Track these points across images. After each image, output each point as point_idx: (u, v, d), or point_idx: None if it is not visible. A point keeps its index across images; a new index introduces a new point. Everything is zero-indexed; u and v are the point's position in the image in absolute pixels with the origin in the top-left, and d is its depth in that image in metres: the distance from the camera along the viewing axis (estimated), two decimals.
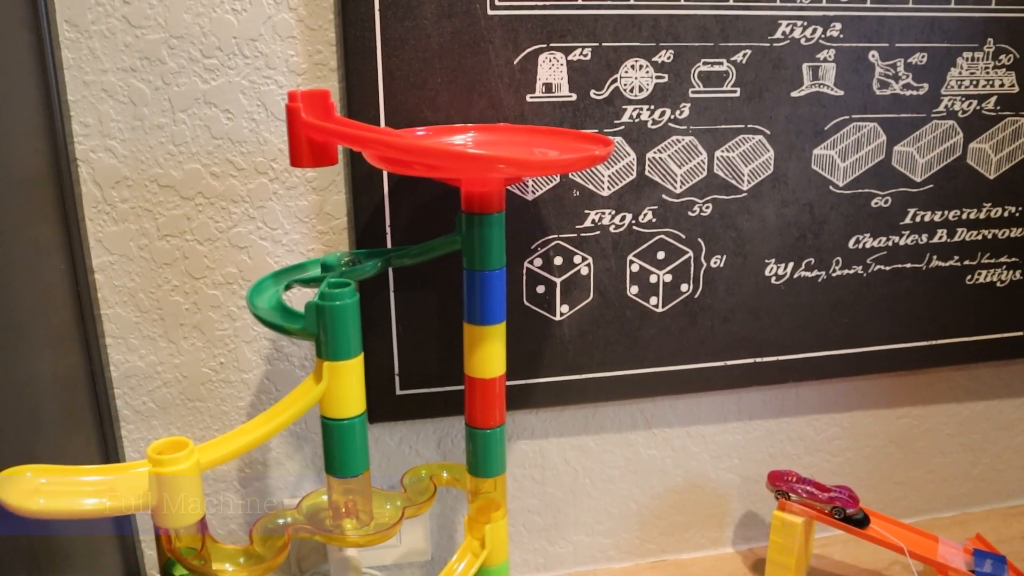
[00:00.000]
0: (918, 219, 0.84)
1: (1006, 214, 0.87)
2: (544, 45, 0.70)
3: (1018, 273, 0.89)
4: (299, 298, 0.73)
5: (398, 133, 0.65)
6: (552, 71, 0.72)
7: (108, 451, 0.74)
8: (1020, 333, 0.91)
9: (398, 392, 0.76)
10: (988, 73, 0.82)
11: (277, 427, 0.56)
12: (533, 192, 0.74)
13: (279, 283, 0.64)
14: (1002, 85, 0.83)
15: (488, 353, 0.64)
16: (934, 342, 0.89)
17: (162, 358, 0.74)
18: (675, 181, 0.77)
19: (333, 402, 0.58)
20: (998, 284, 0.89)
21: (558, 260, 0.76)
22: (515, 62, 0.70)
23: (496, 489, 0.68)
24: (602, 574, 0.91)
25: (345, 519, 0.61)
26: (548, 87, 0.72)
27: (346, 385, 0.58)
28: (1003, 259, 0.88)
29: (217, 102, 0.68)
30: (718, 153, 0.77)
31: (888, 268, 0.85)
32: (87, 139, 0.68)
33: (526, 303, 0.76)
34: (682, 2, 0.72)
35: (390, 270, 0.72)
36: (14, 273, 0.58)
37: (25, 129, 0.62)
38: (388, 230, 0.72)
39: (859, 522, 0.82)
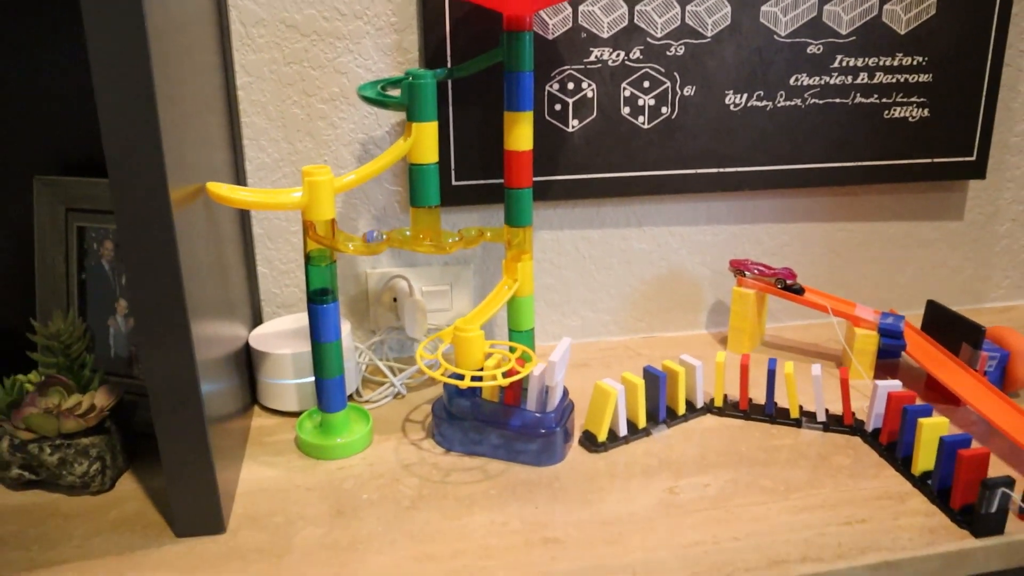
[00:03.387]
0: (844, 64, 1.11)
1: (914, 62, 1.13)
2: None
3: (926, 111, 1.15)
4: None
5: None
6: None
7: (244, 224, 1.03)
8: (927, 160, 1.18)
9: (453, 183, 1.05)
10: None
11: (382, 166, 0.85)
12: (552, 33, 1.02)
13: (377, 84, 0.93)
14: None
15: (521, 132, 0.92)
16: (860, 163, 1.16)
17: (283, 155, 1.03)
18: (656, 28, 1.04)
19: (418, 152, 0.87)
20: (910, 119, 1.15)
21: (570, 85, 1.04)
22: None
23: (526, 238, 0.97)
24: (604, 344, 1.19)
25: (424, 241, 0.91)
26: None
27: (426, 139, 0.87)
28: (913, 99, 1.15)
29: None
30: (688, 7, 1.04)
31: (821, 102, 1.12)
32: None
33: (547, 117, 1.05)
34: None
35: (450, 86, 1.01)
36: (188, 86, 0.76)
37: None
38: (449, 60, 1.00)
39: (796, 291, 1.10)
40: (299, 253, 1.06)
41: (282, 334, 0.98)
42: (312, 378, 0.94)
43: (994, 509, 0.74)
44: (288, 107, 1.01)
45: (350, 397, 0.99)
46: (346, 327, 0.97)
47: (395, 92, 0.94)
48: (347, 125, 1.03)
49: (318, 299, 0.83)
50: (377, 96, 0.89)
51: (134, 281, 0.66)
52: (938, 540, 0.75)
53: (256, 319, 1.06)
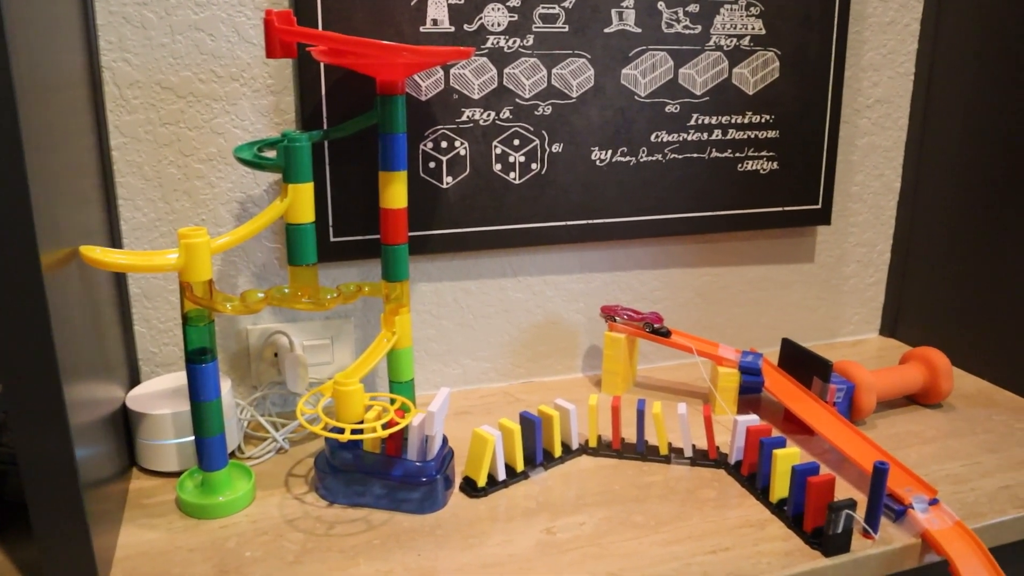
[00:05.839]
0: (700, 121, 1.19)
1: (763, 120, 1.23)
2: None
3: (775, 164, 1.25)
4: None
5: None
6: (437, 10, 1.04)
7: (120, 284, 1.03)
8: (779, 208, 1.27)
9: (332, 240, 1.07)
10: (743, 19, 1.18)
11: (258, 227, 0.87)
12: (425, 95, 1.06)
13: (253, 146, 0.95)
14: (754, 28, 1.19)
15: (396, 190, 0.96)
16: (719, 212, 1.24)
17: (160, 215, 1.03)
18: (525, 89, 1.10)
19: (294, 212, 0.89)
20: (761, 171, 1.25)
21: (444, 144, 1.09)
22: (412, 3, 1.03)
23: (403, 292, 1.00)
24: (484, 391, 1.23)
25: (302, 299, 0.93)
26: (435, 21, 1.04)
27: (303, 200, 0.89)
28: (763, 153, 1.24)
29: (204, 28, 0.99)
30: (554, 70, 1.11)
31: (680, 156, 1.20)
32: (110, 52, 0.97)
33: (422, 175, 1.09)
34: None
35: (326, 146, 1.03)
36: (60, 148, 0.76)
37: (69, 45, 0.90)
38: (325, 122, 1.03)
39: (663, 334, 1.17)
40: (177, 311, 1.06)
41: (161, 394, 0.97)
42: (192, 437, 0.93)
43: (840, 530, 0.81)
44: (164, 167, 1.02)
45: (232, 454, 0.99)
46: (226, 384, 0.97)
47: (271, 153, 0.96)
48: (225, 184, 1.04)
49: (197, 359, 0.84)
50: (253, 158, 0.91)
51: (3, 348, 0.66)
52: (793, 562, 0.81)
53: (134, 379, 1.05)
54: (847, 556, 0.82)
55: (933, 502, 0.88)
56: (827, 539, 0.81)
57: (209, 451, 0.87)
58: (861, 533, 0.85)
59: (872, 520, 0.84)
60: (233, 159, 1.03)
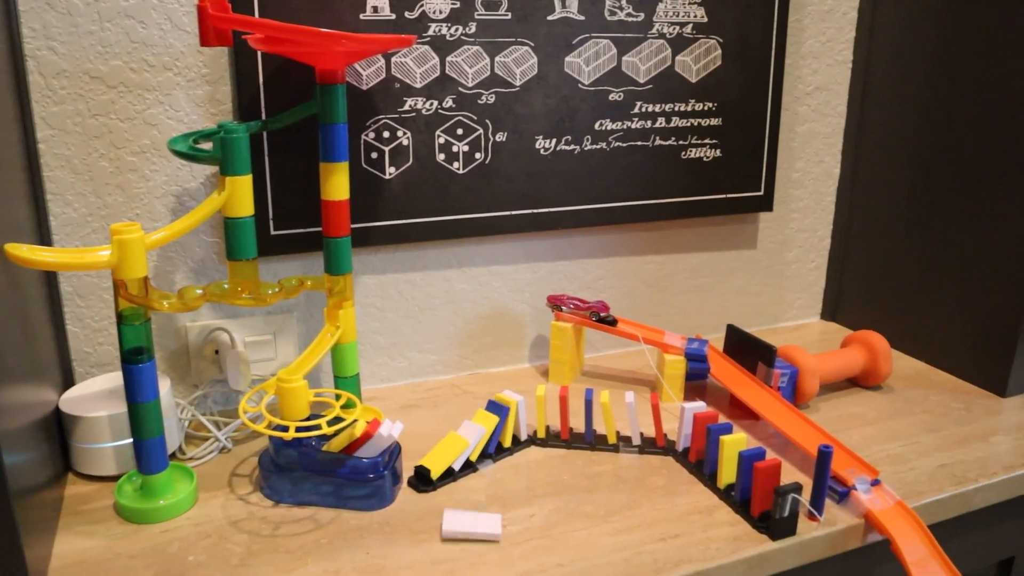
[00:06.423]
0: (644, 110, 1.19)
1: (706, 108, 1.23)
2: None
3: (718, 151, 1.26)
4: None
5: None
6: None
7: (50, 282, 0.99)
8: (722, 196, 1.28)
9: (272, 233, 1.05)
10: (685, 7, 1.18)
11: (195, 222, 0.84)
12: (366, 84, 1.04)
13: (188, 137, 0.92)
14: (696, 16, 1.19)
15: (337, 182, 0.94)
16: (663, 200, 1.25)
17: (92, 210, 1.00)
18: (468, 78, 1.09)
19: (232, 205, 0.87)
20: (704, 159, 1.26)
21: (386, 134, 1.07)
22: None
23: (346, 286, 0.98)
24: (431, 384, 1.21)
25: (242, 294, 0.90)
26: (375, 8, 1.02)
27: (241, 193, 0.87)
28: (706, 141, 1.25)
29: (135, 15, 0.95)
30: (497, 58, 1.09)
31: (624, 144, 1.20)
32: (34, 40, 0.93)
33: (364, 165, 1.07)
34: None
35: (265, 138, 1.01)
36: None
37: None
38: (263, 112, 1.01)
39: (610, 322, 1.17)
40: (112, 310, 1.03)
41: (96, 395, 0.94)
42: (130, 439, 0.91)
43: (787, 513, 0.82)
44: (95, 160, 0.98)
45: (172, 455, 0.97)
46: (165, 384, 0.94)
47: (208, 145, 0.93)
48: (160, 178, 1.01)
49: (133, 359, 0.81)
50: (189, 150, 0.88)
51: None
52: (742, 547, 0.81)
53: (67, 381, 1.01)
54: (794, 539, 0.83)
55: (875, 483, 0.89)
56: (774, 523, 0.82)
57: (148, 453, 0.84)
58: (807, 516, 0.86)
59: (817, 503, 0.85)
60: (168, 151, 1.00)
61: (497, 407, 0.96)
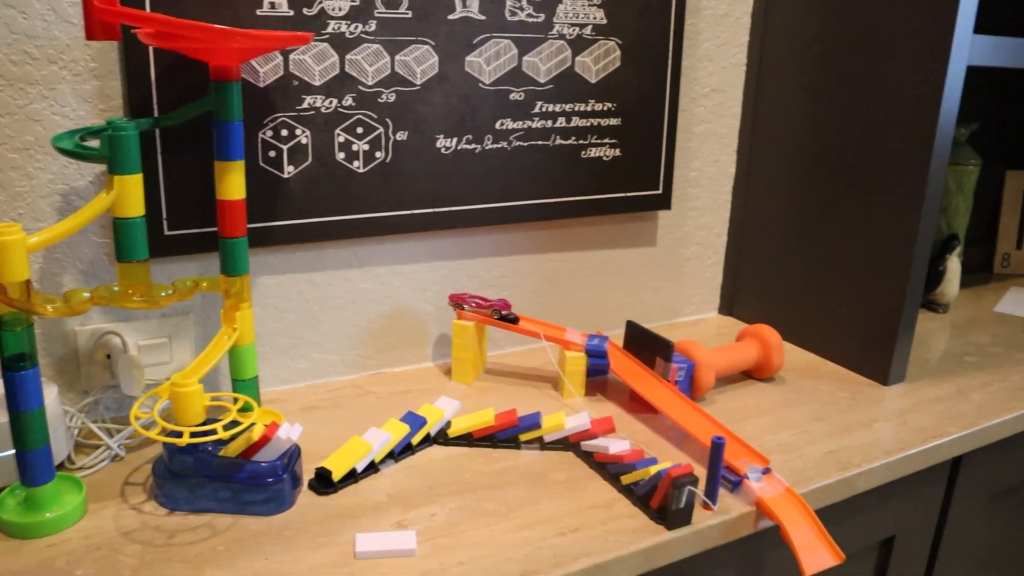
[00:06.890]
0: (544, 109, 1.21)
1: (605, 108, 1.25)
2: None
3: (618, 151, 1.28)
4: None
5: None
6: None
7: None
8: (622, 194, 1.31)
9: (166, 233, 1.02)
10: (585, 9, 1.20)
11: (80, 223, 0.81)
12: (263, 81, 1.02)
13: (75, 134, 0.88)
14: (595, 18, 1.21)
15: (233, 181, 0.92)
16: (564, 199, 1.26)
17: None
18: (368, 76, 1.08)
19: (121, 205, 0.84)
20: (604, 158, 1.28)
21: (284, 132, 1.05)
22: None
23: (244, 287, 0.96)
24: (333, 384, 1.20)
25: (133, 297, 0.87)
26: (272, 4, 1.01)
27: (130, 192, 0.84)
28: (606, 140, 1.27)
29: (15, 5, 0.91)
30: (398, 57, 1.09)
31: (525, 144, 1.21)
32: None
33: (261, 164, 1.05)
34: None
35: (158, 135, 0.98)
36: None
37: None
38: (156, 109, 0.98)
39: (511, 320, 1.18)
40: None
41: None
42: (12, 451, 0.87)
43: (683, 504, 0.84)
44: None
45: (60, 466, 0.93)
46: (52, 391, 0.91)
47: (95, 142, 0.90)
48: (45, 176, 0.97)
49: (14, 366, 0.78)
50: (75, 148, 0.85)
51: None
52: (639, 538, 0.83)
53: None
54: (689, 528, 0.85)
55: (766, 471, 0.93)
56: (670, 514, 0.84)
57: (32, 465, 0.81)
58: (702, 505, 0.89)
59: (711, 492, 0.88)
60: (53, 148, 0.96)
61: (414, 418, 0.96)
